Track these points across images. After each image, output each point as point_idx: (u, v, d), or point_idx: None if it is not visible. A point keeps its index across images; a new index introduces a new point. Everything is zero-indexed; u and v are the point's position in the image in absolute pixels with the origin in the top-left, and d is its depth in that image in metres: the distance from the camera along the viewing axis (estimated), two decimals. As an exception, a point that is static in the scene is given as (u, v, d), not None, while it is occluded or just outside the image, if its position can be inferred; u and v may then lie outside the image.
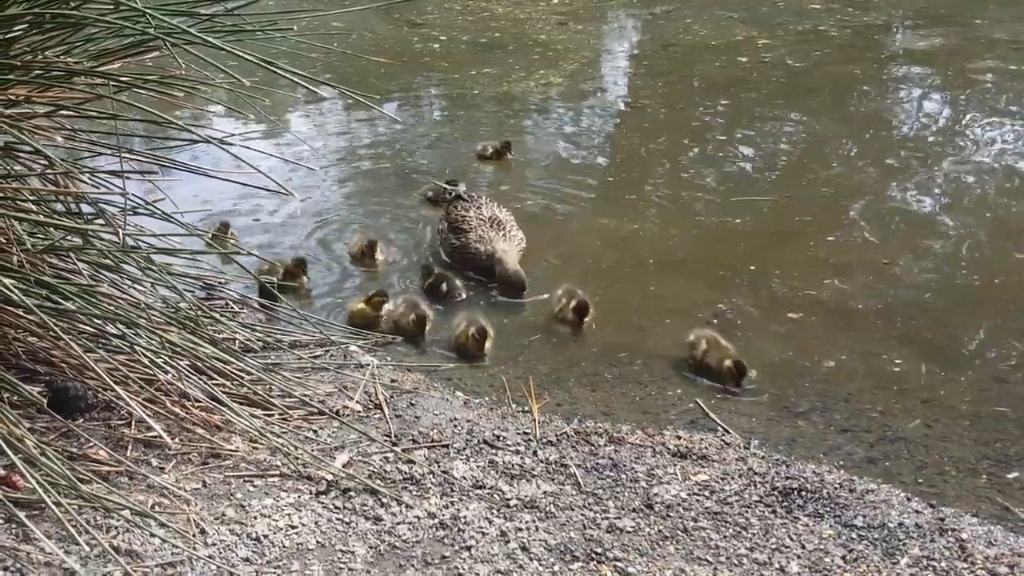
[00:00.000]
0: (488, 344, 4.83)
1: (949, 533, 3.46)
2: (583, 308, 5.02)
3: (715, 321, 5.10)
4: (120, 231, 3.81)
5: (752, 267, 5.70)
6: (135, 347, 3.65)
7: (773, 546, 3.37)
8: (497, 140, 7.60)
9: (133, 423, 3.74)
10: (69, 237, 3.88)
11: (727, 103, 8.51)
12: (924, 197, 6.67)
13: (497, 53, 10.20)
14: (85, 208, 4.16)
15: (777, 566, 3.26)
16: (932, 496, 3.75)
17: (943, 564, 3.29)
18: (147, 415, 3.56)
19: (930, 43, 10.28)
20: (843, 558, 3.31)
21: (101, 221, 4.03)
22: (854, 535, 3.44)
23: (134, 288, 4.00)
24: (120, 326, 3.67)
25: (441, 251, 6.00)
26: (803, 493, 3.67)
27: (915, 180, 6.94)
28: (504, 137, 7.61)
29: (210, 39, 3.55)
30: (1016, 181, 6.92)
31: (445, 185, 6.47)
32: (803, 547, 3.37)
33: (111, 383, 3.46)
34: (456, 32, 10.92)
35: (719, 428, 4.25)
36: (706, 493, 3.67)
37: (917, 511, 3.60)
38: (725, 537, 3.41)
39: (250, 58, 3.60)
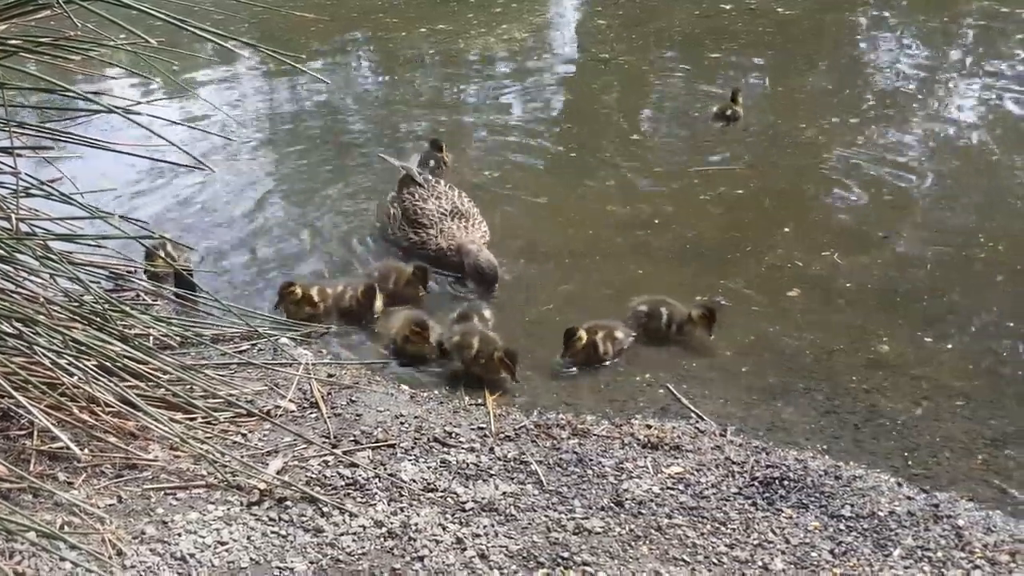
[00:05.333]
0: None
1: (944, 520, 3.53)
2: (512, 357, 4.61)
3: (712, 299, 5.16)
4: (12, 216, 3.72)
5: (733, 242, 5.78)
6: (34, 347, 3.57)
7: (755, 542, 3.41)
8: (724, 99, 7.52)
9: (36, 433, 3.67)
10: (-47, 225, 3.79)
11: (715, 56, 8.56)
12: (916, 160, 6.78)
13: (452, 5, 10.12)
14: (-29, 191, 4.06)
15: (760, 564, 3.31)
16: (924, 481, 3.83)
17: (939, 554, 3.35)
18: (51, 423, 3.49)
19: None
20: (831, 552, 3.37)
21: (-10, 205, 3.94)
22: (842, 527, 3.50)
23: (30, 280, 3.91)
24: (16, 324, 3.59)
25: (393, 238, 5.92)
26: (785, 483, 3.72)
27: (905, 140, 7.08)
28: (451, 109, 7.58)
29: (109, -5, 3.47)
30: (1011, 139, 7.06)
31: (414, 171, 6.14)
32: (787, 542, 3.41)
33: (9, 389, 3.38)
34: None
35: (692, 415, 4.29)
36: (680, 487, 3.71)
37: (909, 497, 3.67)
38: (702, 534, 3.44)
39: (157, 14, 3.53)
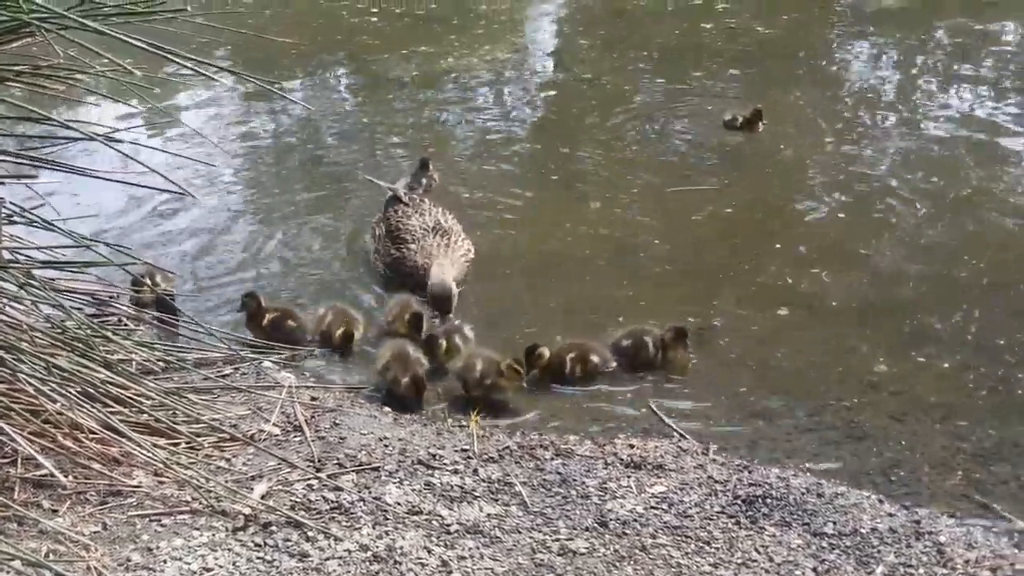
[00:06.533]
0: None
1: (926, 537, 3.56)
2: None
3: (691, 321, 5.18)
4: (-5, 243, 3.73)
5: (721, 261, 5.83)
6: (17, 374, 3.56)
7: (739, 561, 3.43)
8: (746, 108, 7.58)
9: (20, 460, 3.66)
10: (-65, 253, 3.79)
11: (697, 74, 8.61)
12: (898, 176, 6.84)
13: (434, 27, 10.16)
14: (-47, 219, 4.05)
15: (744, 582, 3.33)
16: (905, 497, 3.87)
17: (921, 571, 3.38)
18: (35, 451, 3.49)
19: (899, 1, 10.60)
20: (814, 570, 3.39)
21: (-29, 233, 3.94)
22: (825, 544, 3.52)
23: (13, 307, 3.91)
24: (-1, 351, 3.59)
25: (377, 260, 5.92)
26: (768, 501, 3.75)
27: (886, 156, 7.14)
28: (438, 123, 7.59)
29: (91, 23, 3.48)
30: (989, 153, 7.13)
31: (399, 191, 6.16)
32: (771, 560, 3.43)
33: (-9, 417, 3.38)
34: (386, 4, 10.83)
35: (675, 434, 4.32)
36: (664, 506, 3.72)
37: (890, 514, 3.70)
38: (687, 554, 3.46)
39: (137, 44, 3.54)
